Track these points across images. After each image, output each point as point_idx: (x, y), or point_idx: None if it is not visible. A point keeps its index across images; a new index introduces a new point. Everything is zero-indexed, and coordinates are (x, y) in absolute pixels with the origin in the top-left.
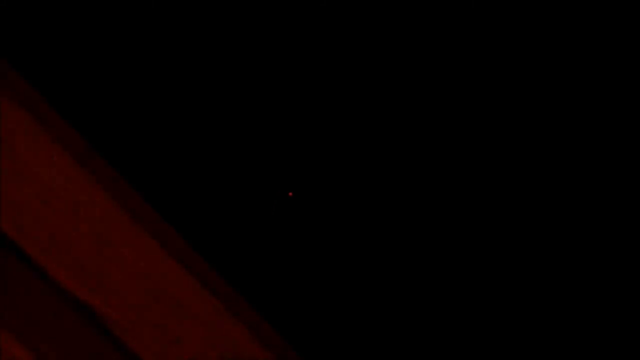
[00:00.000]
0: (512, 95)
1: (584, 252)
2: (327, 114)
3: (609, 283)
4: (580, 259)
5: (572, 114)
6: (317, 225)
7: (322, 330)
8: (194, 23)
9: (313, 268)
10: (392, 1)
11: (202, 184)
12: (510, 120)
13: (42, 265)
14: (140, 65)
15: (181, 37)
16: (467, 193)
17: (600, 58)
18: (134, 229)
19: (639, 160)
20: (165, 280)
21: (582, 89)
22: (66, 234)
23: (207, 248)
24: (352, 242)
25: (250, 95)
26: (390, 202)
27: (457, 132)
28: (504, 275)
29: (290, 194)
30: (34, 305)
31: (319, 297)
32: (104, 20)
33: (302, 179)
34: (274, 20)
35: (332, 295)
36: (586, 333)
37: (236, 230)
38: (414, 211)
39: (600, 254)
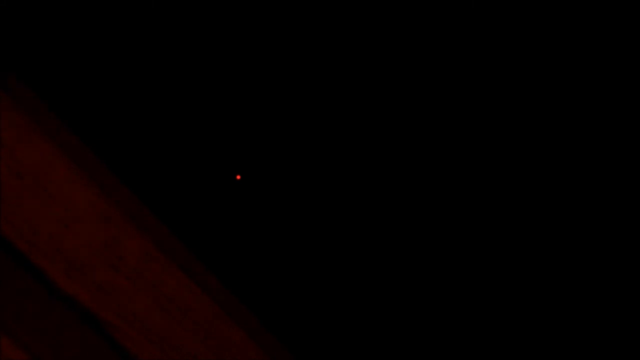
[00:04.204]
0: (512, 96)
1: (584, 252)
2: (326, 113)
3: (608, 283)
4: (580, 259)
5: (572, 115)
6: (315, 225)
7: (320, 333)
8: (188, 22)
9: (309, 269)
10: (392, 1)
11: (194, 181)
12: (510, 120)
13: (42, 268)
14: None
15: (176, 36)
16: (465, 192)
17: (600, 58)
18: (137, 235)
19: (639, 161)
20: (166, 286)
21: (582, 89)
22: (66, 238)
23: (203, 250)
24: (348, 242)
25: (244, 94)
26: (383, 201)
27: (455, 131)
28: (497, 275)
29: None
30: (33, 308)
31: (316, 298)
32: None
33: (299, 179)
34: (273, 18)
35: (329, 296)
36: (586, 333)
37: (231, 230)
38: (409, 209)
39: (600, 254)
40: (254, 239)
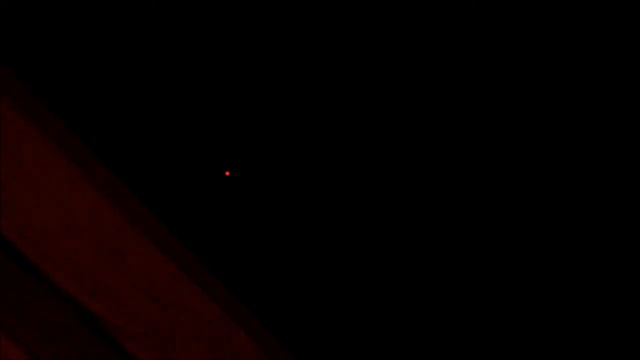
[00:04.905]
0: (512, 95)
1: (584, 253)
2: (327, 113)
3: (609, 283)
4: (580, 260)
5: (571, 114)
6: (314, 225)
7: (320, 333)
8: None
9: (308, 269)
10: (392, 1)
11: (194, 182)
12: (510, 120)
13: (42, 269)
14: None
15: (174, 36)
16: (464, 192)
17: (600, 58)
18: (137, 235)
19: (639, 161)
20: (166, 285)
21: (582, 89)
22: (67, 238)
23: (203, 250)
24: (348, 241)
25: (240, 93)
26: (380, 201)
27: (455, 131)
28: (490, 274)
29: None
30: (33, 309)
31: (316, 298)
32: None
33: (300, 180)
34: (272, 18)
35: (329, 296)
36: (586, 333)
37: (230, 229)
38: (407, 209)
39: (600, 255)
40: (254, 239)
